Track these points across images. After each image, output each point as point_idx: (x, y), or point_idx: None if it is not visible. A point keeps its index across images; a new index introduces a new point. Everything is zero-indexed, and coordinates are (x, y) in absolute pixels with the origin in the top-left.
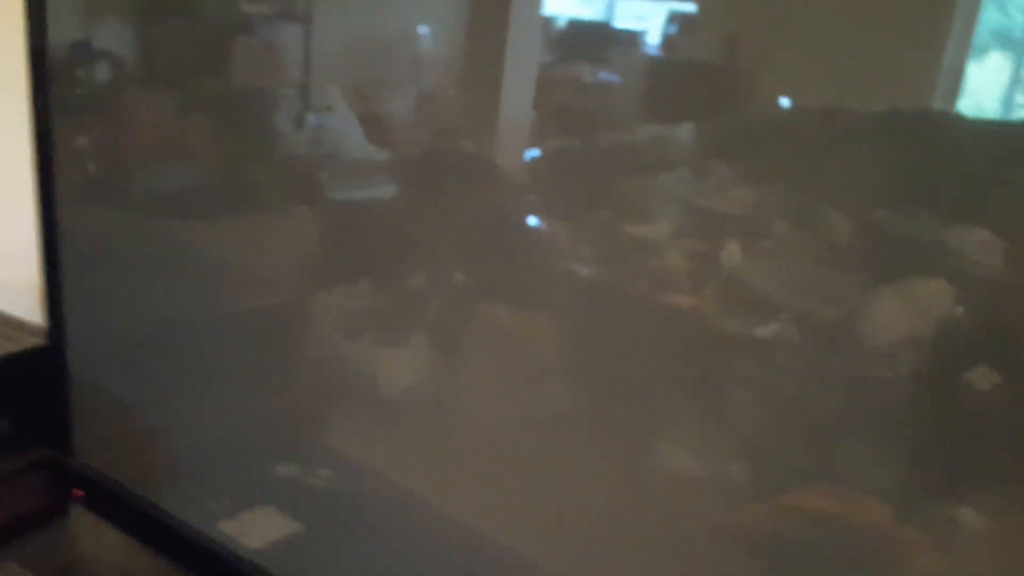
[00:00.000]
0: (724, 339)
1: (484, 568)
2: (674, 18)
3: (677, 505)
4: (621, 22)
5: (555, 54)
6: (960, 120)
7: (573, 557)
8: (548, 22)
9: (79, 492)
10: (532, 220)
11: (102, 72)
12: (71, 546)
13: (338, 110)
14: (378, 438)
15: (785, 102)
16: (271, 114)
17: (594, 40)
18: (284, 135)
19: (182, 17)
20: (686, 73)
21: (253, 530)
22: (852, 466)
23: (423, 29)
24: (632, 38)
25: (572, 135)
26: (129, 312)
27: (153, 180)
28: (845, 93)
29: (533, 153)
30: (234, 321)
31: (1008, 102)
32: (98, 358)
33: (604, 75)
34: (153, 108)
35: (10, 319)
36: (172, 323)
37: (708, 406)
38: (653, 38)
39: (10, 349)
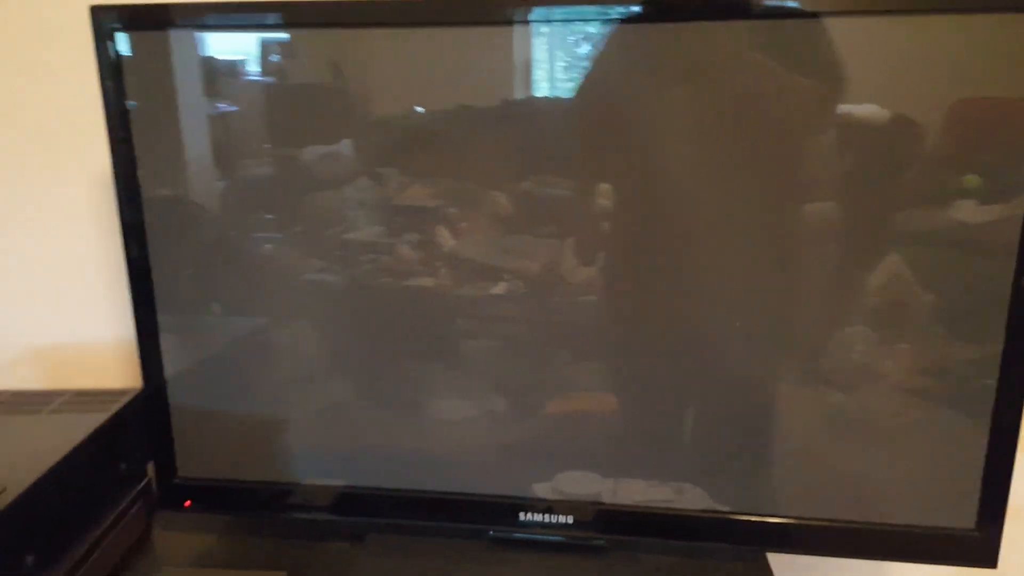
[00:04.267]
0: (469, 302)
1: None
2: (270, 48)
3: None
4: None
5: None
6: (544, 101)
7: None
8: None
9: (188, 503)
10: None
11: None
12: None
13: None
14: None
15: (419, 108)
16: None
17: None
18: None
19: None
20: (308, 94)
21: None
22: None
23: None
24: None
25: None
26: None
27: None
28: (462, 95)
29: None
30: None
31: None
32: (189, 394)
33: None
34: None
35: (100, 390)
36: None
37: (466, 358)
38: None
39: (119, 405)
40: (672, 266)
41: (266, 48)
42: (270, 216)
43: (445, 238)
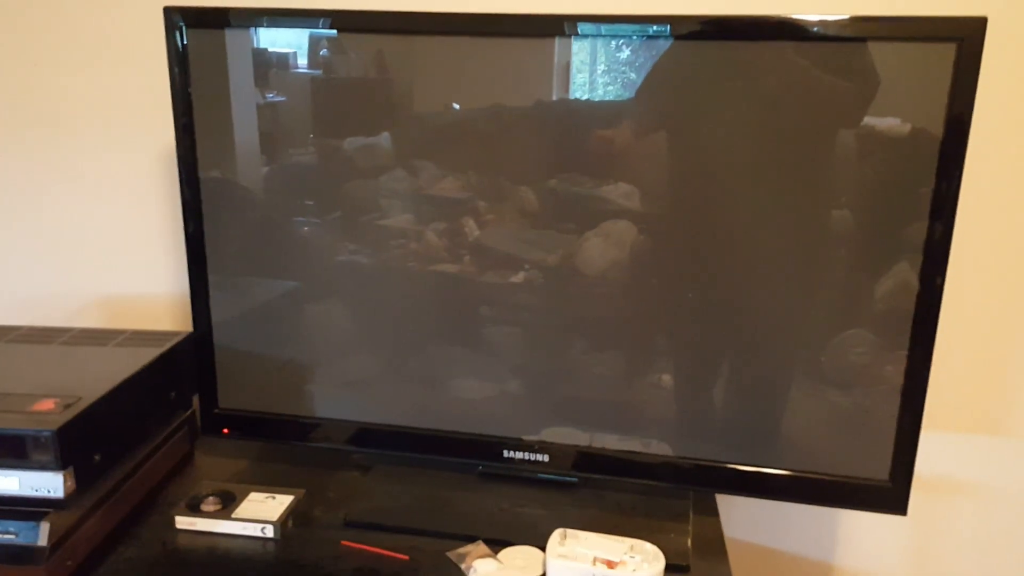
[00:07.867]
0: (489, 288)
1: None
2: (318, 44)
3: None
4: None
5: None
6: (580, 104)
7: None
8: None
9: (226, 431)
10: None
11: None
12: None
13: None
14: None
15: (456, 104)
16: None
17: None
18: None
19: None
20: (353, 88)
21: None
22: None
23: None
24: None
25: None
26: (254, 300)
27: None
28: (498, 94)
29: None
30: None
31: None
32: (232, 339)
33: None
34: None
35: (157, 331)
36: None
37: (485, 340)
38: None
39: (172, 343)
40: (686, 265)
41: (314, 44)
42: (310, 202)
43: (471, 227)
